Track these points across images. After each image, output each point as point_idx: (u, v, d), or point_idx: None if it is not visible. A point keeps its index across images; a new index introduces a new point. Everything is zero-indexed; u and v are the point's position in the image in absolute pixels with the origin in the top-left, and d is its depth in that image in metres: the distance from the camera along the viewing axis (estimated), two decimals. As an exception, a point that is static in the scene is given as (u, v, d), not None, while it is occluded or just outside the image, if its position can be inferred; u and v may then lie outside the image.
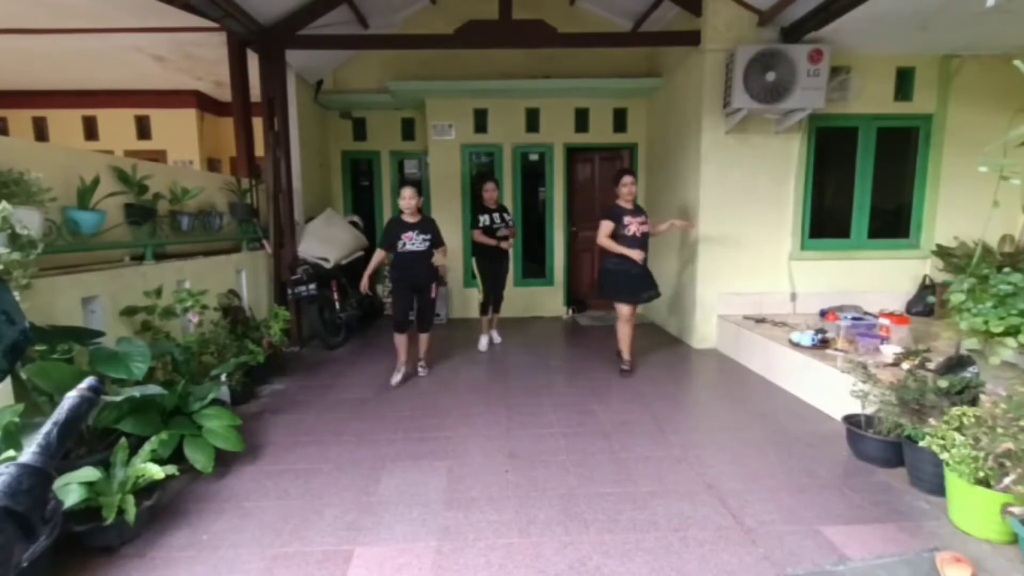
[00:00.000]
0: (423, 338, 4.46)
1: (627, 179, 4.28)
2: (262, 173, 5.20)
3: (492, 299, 5.35)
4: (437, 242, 4.27)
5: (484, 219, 5.11)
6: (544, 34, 5.23)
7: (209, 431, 2.70)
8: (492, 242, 5.07)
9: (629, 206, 4.31)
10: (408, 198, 4.10)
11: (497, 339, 5.56)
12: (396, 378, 4.25)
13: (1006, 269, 2.60)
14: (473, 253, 5.30)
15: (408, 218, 4.15)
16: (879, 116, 5.20)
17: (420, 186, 7.30)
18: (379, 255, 4.24)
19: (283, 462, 2.92)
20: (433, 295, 4.34)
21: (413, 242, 4.10)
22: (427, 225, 4.21)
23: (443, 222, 6.85)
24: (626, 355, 4.46)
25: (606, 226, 4.26)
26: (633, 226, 4.24)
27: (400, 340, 4.29)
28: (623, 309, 4.35)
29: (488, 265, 5.22)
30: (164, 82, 7.04)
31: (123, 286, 3.14)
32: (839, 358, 3.62)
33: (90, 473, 2.04)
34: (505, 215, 5.20)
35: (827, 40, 4.59)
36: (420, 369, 4.47)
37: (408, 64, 6.56)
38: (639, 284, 4.28)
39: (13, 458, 0.88)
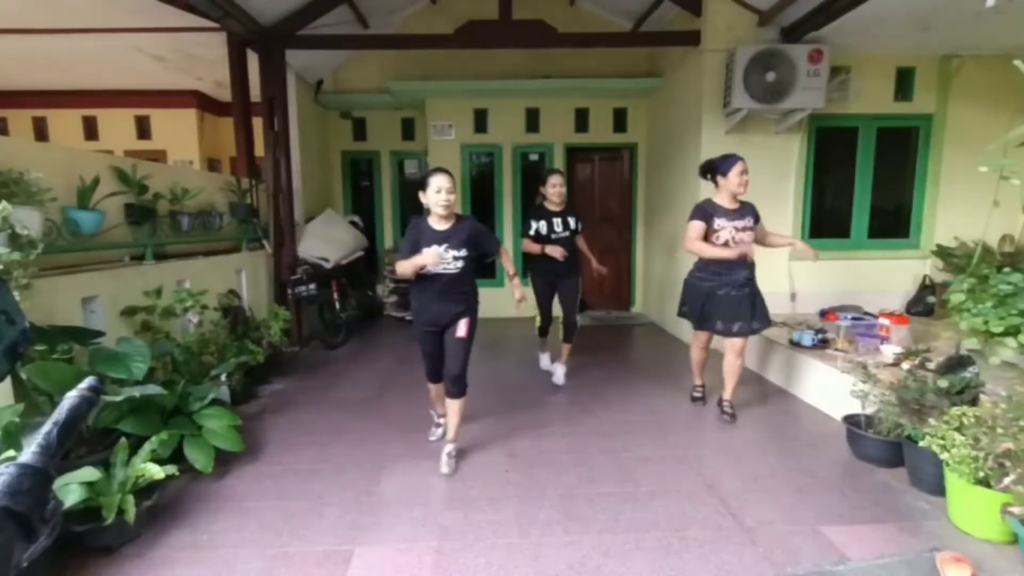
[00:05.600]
0: (453, 405, 2.88)
1: (741, 165, 3.25)
2: (262, 173, 5.20)
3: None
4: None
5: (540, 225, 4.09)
6: (544, 34, 5.23)
7: (209, 431, 2.70)
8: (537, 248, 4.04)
9: (730, 204, 3.34)
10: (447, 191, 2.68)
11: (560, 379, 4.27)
12: (437, 432, 3.20)
13: (1006, 269, 2.60)
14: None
15: (436, 224, 2.77)
16: (879, 116, 5.20)
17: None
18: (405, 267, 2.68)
19: (283, 462, 2.92)
20: (464, 333, 2.82)
21: (447, 262, 2.73)
22: (462, 235, 2.78)
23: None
24: (697, 379, 3.76)
25: (696, 227, 3.32)
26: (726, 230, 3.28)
27: (432, 388, 3.11)
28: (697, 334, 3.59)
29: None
30: (164, 82, 7.04)
31: (123, 286, 3.14)
32: (839, 358, 3.62)
33: (90, 473, 2.04)
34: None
35: (827, 40, 4.59)
36: (446, 456, 2.84)
37: (408, 64, 6.56)
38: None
39: (13, 458, 0.88)
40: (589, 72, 6.43)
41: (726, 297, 3.32)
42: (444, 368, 2.88)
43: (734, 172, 3.25)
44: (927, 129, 5.26)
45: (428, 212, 2.81)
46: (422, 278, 2.75)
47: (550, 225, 4.04)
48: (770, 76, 4.56)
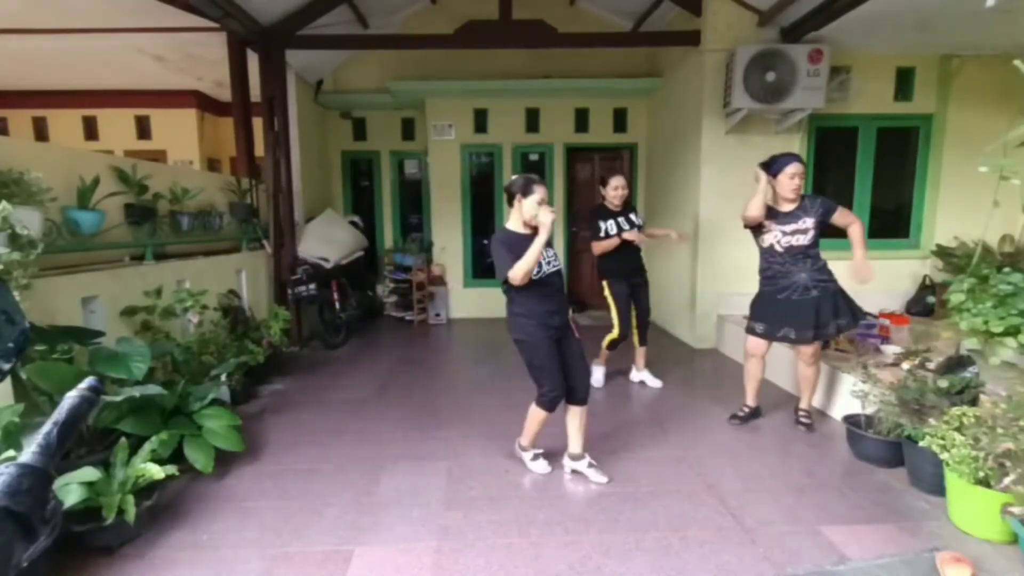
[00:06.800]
0: (578, 413, 2.74)
1: (794, 167, 3.00)
2: (262, 173, 5.20)
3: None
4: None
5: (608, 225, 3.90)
6: (544, 34, 5.23)
7: (209, 431, 2.70)
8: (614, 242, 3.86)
9: (785, 207, 3.11)
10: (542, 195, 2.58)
11: (655, 382, 4.17)
12: (545, 466, 2.82)
13: (1006, 269, 2.60)
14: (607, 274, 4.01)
15: (525, 230, 2.62)
16: (879, 116, 5.20)
17: (420, 186, 7.44)
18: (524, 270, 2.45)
19: (283, 462, 2.92)
20: (577, 333, 2.79)
21: (547, 259, 2.61)
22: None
23: (444, 222, 6.98)
24: (751, 400, 3.44)
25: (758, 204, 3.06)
26: (773, 235, 3.11)
27: (543, 418, 2.71)
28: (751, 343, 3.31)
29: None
30: (164, 82, 7.04)
31: (123, 286, 3.14)
32: (839, 358, 3.62)
33: (90, 473, 2.04)
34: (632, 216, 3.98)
35: (827, 40, 4.59)
36: (587, 467, 2.74)
37: (408, 64, 6.56)
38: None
39: (13, 458, 0.88)
40: (589, 72, 6.43)
41: (787, 302, 3.11)
42: (576, 377, 2.70)
43: (785, 174, 3.01)
44: (927, 129, 5.26)
45: (508, 220, 2.69)
46: (541, 283, 2.58)
47: (619, 225, 3.87)
48: (770, 76, 4.56)
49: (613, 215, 3.94)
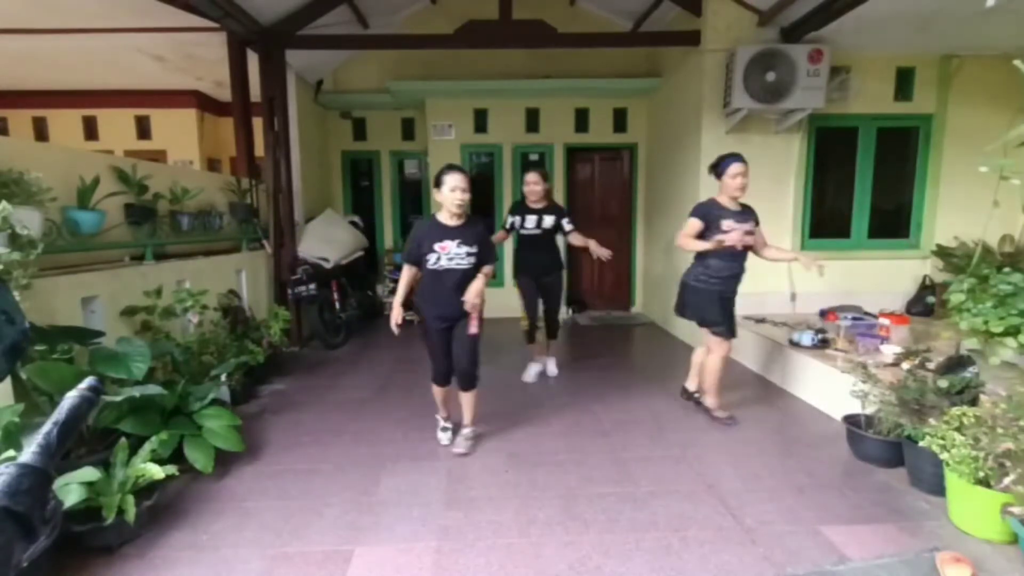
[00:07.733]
0: (465, 398, 3.05)
1: (736, 167, 3.12)
2: (262, 173, 5.20)
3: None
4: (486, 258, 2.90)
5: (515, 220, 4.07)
6: (544, 34, 5.23)
7: (209, 431, 2.70)
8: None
9: (733, 206, 3.23)
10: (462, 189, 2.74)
11: (553, 370, 4.42)
12: (445, 438, 3.14)
13: (1006, 269, 2.60)
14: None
15: (448, 220, 2.82)
16: (879, 116, 5.20)
17: (420, 186, 7.45)
18: (408, 273, 2.93)
19: (283, 462, 2.92)
20: (475, 330, 2.91)
21: (450, 255, 2.79)
22: (473, 233, 2.85)
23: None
24: (712, 400, 3.46)
25: (693, 224, 3.20)
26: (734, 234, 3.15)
27: (439, 392, 3.13)
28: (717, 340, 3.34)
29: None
30: (164, 82, 7.04)
31: (123, 286, 3.14)
32: (839, 358, 3.62)
33: (90, 473, 2.04)
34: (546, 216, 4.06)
35: (827, 40, 4.59)
36: (462, 438, 3.06)
37: (408, 64, 6.56)
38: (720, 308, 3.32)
39: (13, 458, 0.88)
40: (589, 72, 6.43)
41: (728, 301, 3.36)
42: (455, 364, 2.96)
43: (728, 174, 3.14)
44: (927, 129, 5.26)
45: (438, 209, 2.86)
46: (435, 273, 2.81)
47: (523, 220, 4.04)
48: (770, 76, 4.56)
49: (525, 211, 4.04)
